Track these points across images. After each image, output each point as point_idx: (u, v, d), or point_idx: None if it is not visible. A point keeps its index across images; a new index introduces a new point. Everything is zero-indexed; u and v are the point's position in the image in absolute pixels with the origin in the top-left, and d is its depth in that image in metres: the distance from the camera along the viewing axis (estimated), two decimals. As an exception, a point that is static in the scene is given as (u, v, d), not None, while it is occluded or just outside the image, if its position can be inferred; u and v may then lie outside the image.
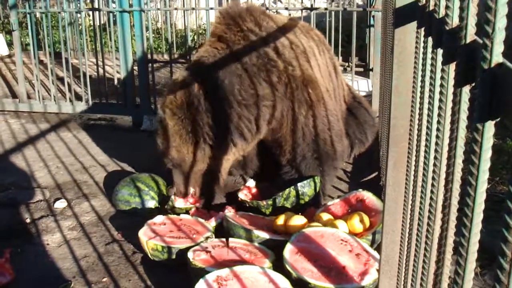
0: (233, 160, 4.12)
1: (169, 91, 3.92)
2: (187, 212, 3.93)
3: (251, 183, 4.25)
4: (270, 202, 3.82)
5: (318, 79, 4.03)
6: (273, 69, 3.88)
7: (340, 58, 7.51)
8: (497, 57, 0.87)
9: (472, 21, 1.08)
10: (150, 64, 6.64)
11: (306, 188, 3.86)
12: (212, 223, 3.66)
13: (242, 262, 3.08)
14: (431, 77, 1.50)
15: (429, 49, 1.55)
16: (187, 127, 3.82)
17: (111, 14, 7.00)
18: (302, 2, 10.85)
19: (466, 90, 1.12)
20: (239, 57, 3.87)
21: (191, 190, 4.07)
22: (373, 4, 6.49)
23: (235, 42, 3.94)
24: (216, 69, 3.85)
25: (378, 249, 2.50)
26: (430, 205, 1.47)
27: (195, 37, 10.23)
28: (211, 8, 6.11)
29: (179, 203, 4.01)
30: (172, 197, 4.00)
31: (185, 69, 4.11)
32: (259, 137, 4.03)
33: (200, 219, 3.68)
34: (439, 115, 1.37)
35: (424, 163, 1.58)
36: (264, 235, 3.35)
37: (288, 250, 3.09)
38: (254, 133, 3.94)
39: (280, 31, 4.06)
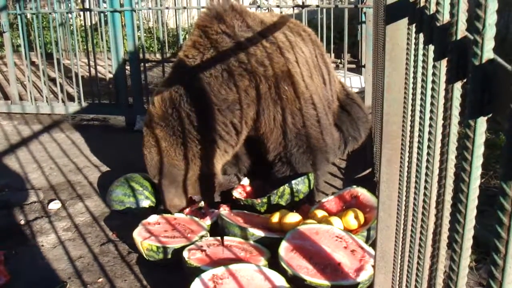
0: (224, 161, 4.12)
1: (154, 99, 3.96)
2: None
3: (245, 181, 4.25)
4: (264, 200, 3.82)
5: (298, 74, 4.03)
6: (244, 72, 3.90)
7: (332, 55, 7.52)
8: (488, 53, 0.88)
9: (462, 17, 1.09)
10: (142, 64, 6.63)
11: (301, 185, 3.87)
12: (207, 222, 3.66)
13: (238, 260, 3.08)
14: (423, 74, 1.50)
15: (421, 46, 1.55)
16: (177, 133, 3.85)
17: (102, 14, 6.96)
18: (293, -1, 10.82)
19: (457, 86, 1.12)
20: (217, 61, 3.90)
21: (196, 197, 4.08)
22: (365, 1, 6.50)
23: (212, 44, 3.96)
24: (193, 74, 3.89)
25: (373, 245, 2.51)
26: (424, 201, 1.47)
27: (187, 36, 10.20)
28: (203, 7, 6.10)
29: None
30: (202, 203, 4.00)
31: (170, 70, 4.14)
32: (242, 137, 4.05)
33: (195, 218, 3.68)
34: (431, 111, 1.38)
35: (417, 159, 1.58)
36: (259, 233, 3.35)
37: (284, 248, 3.09)
38: (234, 135, 3.97)
39: (259, 29, 4.06)
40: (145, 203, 4.10)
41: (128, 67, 6.53)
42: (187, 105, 3.82)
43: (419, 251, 1.54)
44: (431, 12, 1.39)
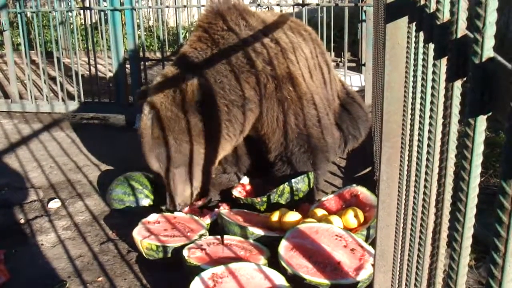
0: (221, 157, 4.11)
1: (157, 87, 3.88)
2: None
3: (245, 180, 4.25)
4: (264, 198, 3.82)
5: (301, 75, 4.03)
6: (252, 70, 3.88)
7: (333, 53, 7.51)
8: (488, 52, 0.87)
9: (463, 15, 1.08)
10: (142, 62, 6.62)
11: (300, 184, 3.86)
12: (206, 221, 3.66)
13: (237, 259, 3.08)
14: (423, 72, 1.50)
15: (421, 44, 1.55)
16: (181, 124, 3.78)
17: (102, 13, 6.96)
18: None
19: (458, 84, 1.12)
20: (224, 57, 3.86)
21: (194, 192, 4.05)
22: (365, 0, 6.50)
23: (218, 40, 3.93)
24: (204, 67, 3.84)
25: (373, 244, 2.50)
26: (424, 199, 1.47)
27: (187, 35, 10.20)
28: (203, 6, 6.10)
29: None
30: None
31: (172, 64, 4.08)
32: (243, 135, 4.04)
33: (194, 217, 3.68)
34: (431, 109, 1.37)
35: (417, 157, 1.58)
36: (259, 232, 3.35)
37: (283, 247, 3.09)
38: (239, 132, 3.95)
39: (262, 29, 4.05)
40: (145, 202, 4.10)
41: (128, 66, 6.53)
42: (199, 95, 3.75)
43: (418, 249, 1.53)
44: (431, 11, 1.38)
